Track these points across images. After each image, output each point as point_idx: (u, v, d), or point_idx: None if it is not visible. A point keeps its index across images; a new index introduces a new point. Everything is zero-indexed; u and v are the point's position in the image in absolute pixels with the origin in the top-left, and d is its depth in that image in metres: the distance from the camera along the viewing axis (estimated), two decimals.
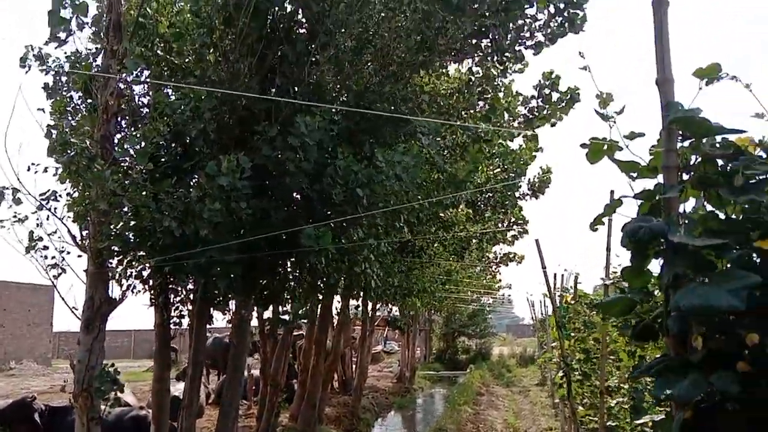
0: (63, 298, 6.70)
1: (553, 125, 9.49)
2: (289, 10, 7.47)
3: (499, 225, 15.61)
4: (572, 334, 8.90)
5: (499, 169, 11.96)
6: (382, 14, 7.73)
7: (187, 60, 7.46)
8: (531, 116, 9.06)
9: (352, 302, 15.11)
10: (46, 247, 6.87)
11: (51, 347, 38.90)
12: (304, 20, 7.65)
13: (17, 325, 35.28)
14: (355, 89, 7.67)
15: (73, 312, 6.67)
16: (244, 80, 7.02)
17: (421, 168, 8.09)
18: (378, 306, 19.04)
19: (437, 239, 12.86)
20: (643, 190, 2.48)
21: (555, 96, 8.78)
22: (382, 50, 7.69)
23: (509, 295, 34.45)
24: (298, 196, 7.84)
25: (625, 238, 2.36)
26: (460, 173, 8.64)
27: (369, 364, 20.20)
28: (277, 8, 7.15)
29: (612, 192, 5.00)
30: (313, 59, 7.25)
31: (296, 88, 7.36)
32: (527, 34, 8.12)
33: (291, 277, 8.42)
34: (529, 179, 12.45)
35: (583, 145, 2.52)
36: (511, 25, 7.84)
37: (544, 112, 8.88)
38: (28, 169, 6.60)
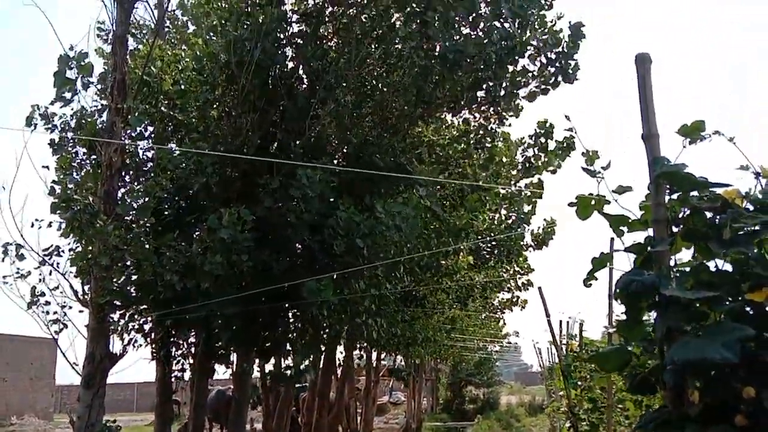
0: (64, 354, 6.69)
1: (553, 172, 9.59)
2: (290, 66, 7.69)
3: (504, 274, 15.55)
4: (579, 383, 8.76)
5: (504, 215, 11.95)
6: (381, 69, 7.94)
7: (190, 116, 7.63)
8: (529, 164, 9.19)
9: (356, 352, 14.96)
10: (48, 303, 6.91)
11: (53, 401, 38.32)
12: (304, 76, 7.85)
13: (19, 379, 34.85)
14: (355, 142, 7.81)
15: (73, 368, 6.64)
16: (246, 135, 7.17)
17: (420, 217, 8.15)
18: (383, 356, 18.85)
19: (440, 287, 12.83)
20: (634, 243, 2.51)
21: (551, 144, 8.92)
22: (380, 104, 7.87)
23: (515, 342, 33.96)
24: (300, 248, 7.89)
25: (618, 291, 2.39)
26: (459, 222, 8.71)
27: (374, 416, 19.85)
28: (278, 65, 7.35)
29: (612, 239, 5.04)
30: (314, 113, 7.41)
31: (297, 142, 7.51)
32: (521, 83, 8.30)
33: (293, 328, 8.38)
34: (533, 231, 12.45)
35: (570, 204, 2.56)
36: (505, 76, 8.04)
37: (541, 160, 9.02)
38: (32, 225, 6.70)
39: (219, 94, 7.42)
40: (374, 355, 17.47)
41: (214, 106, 7.55)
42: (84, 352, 6.72)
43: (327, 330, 8.65)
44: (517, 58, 7.94)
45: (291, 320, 8.35)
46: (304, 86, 7.85)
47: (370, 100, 8.03)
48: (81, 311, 6.85)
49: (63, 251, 6.87)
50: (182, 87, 7.61)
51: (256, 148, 7.37)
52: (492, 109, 8.75)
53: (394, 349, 14.47)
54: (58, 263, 6.87)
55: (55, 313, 6.95)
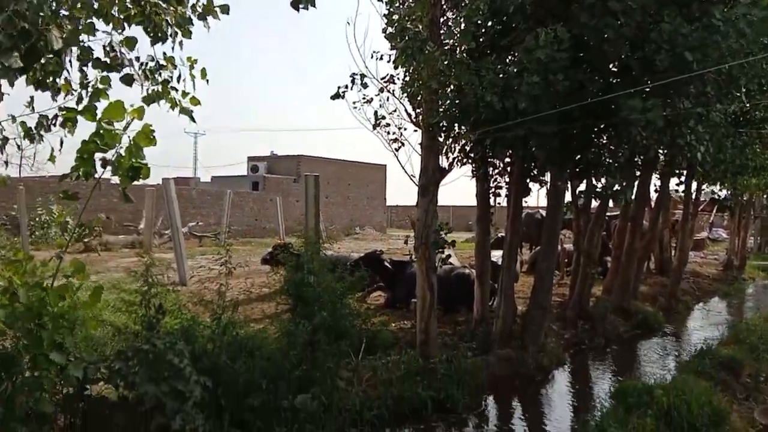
0: (403, 167, 7.83)
1: None
2: None
3: None
4: None
5: None
6: None
7: None
8: None
9: (674, 180, 14.14)
10: (388, 124, 8.06)
11: (385, 218, 45.21)
12: None
13: (359, 198, 41.73)
14: None
15: (411, 179, 7.76)
16: None
17: None
18: (703, 187, 17.39)
19: None
20: None
21: None
22: None
23: None
24: (617, 65, 7.56)
25: None
26: None
27: (691, 249, 18.90)
28: None
29: None
30: None
31: None
32: None
33: (607, 150, 8.32)
34: None
35: None
36: None
37: None
38: (371, 57, 7.67)
39: None
40: (694, 185, 16.25)
41: None
42: (418, 167, 7.78)
43: (644, 153, 8.37)
44: None
45: (605, 142, 8.28)
46: None
47: None
48: (415, 130, 7.84)
49: (397, 78, 7.82)
50: None
51: None
52: None
53: (720, 177, 13.24)
54: (393, 90, 7.85)
55: (393, 133, 8.10)
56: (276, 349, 6.05)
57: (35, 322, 4.28)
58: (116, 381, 4.89)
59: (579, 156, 8.24)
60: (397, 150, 8.13)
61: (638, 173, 10.91)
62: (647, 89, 6.98)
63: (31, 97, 4.51)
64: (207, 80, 5.25)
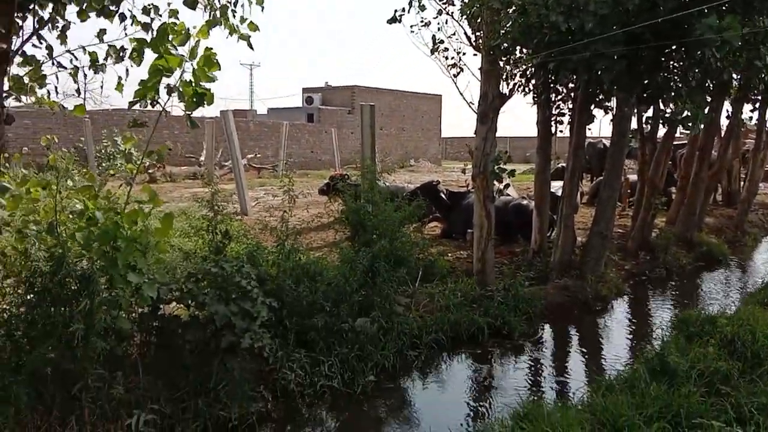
0: (461, 93, 7.67)
1: None
2: None
3: None
4: None
5: None
6: None
7: None
8: None
9: (748, 107, 13.33)
10: (446, 49, 7.85)
11: (440, 149, 44.76)
12: None
13: (414, 130, 41.30)
14: None
15: (470, 106, 7.61)
16: None
17: None
18: None
19: None
20: None
21: None
22: None
23: None
24: None
25: None
26: None
27: (761, 180, 18.04)
28: None
29: None
30: None
31: None
32: None
33: (677, 73, 7.89)
34: None
35: None
36: None
37: None
38: None
39: None
40: None
41: None
42: (477, 93, 7.60)
43: (717, 75, 7.90)
44: None
45: (676, 64, 7.84)
46: None
47: None
48: (474, 55, 7.61)
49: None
50: None
51: None
52: None
53: None
54: (452, 12, 7.60)
55: (452, 58, 7.90)
56: (337, 274, 6.21)
57: (111, 245, 4.49)
58: (187, 301, 5.14)
59: (647, 80, 7.85)
60: (455, 76, 7.95)
61: (709, 98, 10.37)
62: (724, 6, 6.53)
63: (102, 30, 4.58)
64: (263, 6, 5.21)
